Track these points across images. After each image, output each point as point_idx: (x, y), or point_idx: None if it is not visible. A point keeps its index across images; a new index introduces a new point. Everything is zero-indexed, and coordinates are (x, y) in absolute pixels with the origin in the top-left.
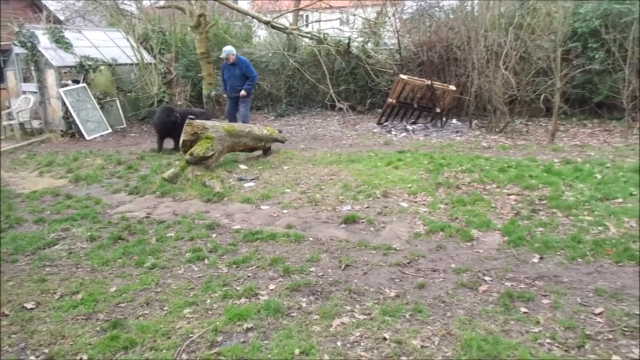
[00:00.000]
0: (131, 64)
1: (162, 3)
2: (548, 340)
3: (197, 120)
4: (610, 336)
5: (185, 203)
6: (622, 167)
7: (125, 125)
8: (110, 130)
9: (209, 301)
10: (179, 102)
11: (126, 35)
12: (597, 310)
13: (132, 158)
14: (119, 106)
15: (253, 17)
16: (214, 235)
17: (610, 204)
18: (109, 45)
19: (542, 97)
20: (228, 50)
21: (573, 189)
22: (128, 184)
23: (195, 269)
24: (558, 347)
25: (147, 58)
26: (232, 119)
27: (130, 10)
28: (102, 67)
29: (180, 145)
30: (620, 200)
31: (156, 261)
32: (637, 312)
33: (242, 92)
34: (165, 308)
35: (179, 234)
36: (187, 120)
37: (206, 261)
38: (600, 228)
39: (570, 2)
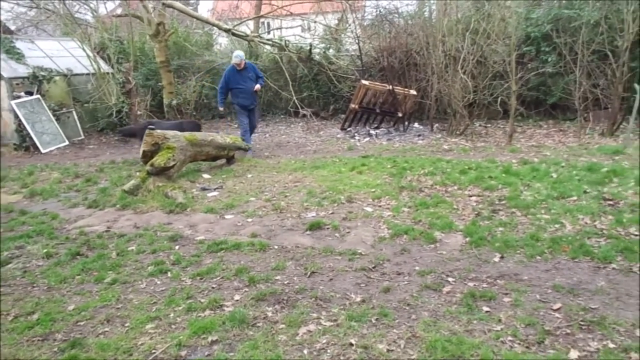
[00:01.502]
0: (88, 74)
1: (119, 11)
2: (510, 338)
3: (158, 130)
4: (568, 331)
5: (147, 215)
6: (576, 166)
7: (83, 137)
8: (67, 142)
9: (172, 315)
10: (139, 112)
11: (82, 44)
12: (556, 306)
13: (91, 170)
14: (75, 117)
15: (213, 25)
16: (177, 247)
17: (566, 202)
18: (63, 55)
19: (499, 99)
20: (242, 55)
21: (531, 188)
22: (87, 197)
23: (158, 282)
24: (519, 344)
25: (105, 67)
26: (246, 133)
27: (85, 19)
28: (57, 78)
29: (140, 156)
30: (575, 198)
31: (117, 276)
32: (593, 307)
33: (258, 86)
34: (126, 324)
35: (141, 247)
36: (147, 131)
37: (169, 274)
38: (556, 226)
39: (522, 8)
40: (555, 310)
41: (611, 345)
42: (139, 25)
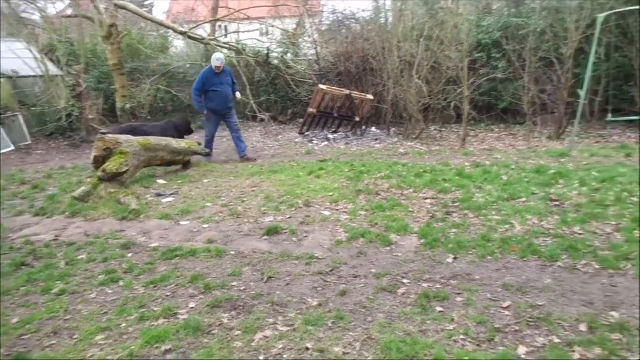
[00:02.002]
0: (35, 77)
1: (69, 12)
2: (462, 337)
3: (110, 135)
4: (517, 328)
5: (99, 222)
6: (525, 169)
7: (30, 142)
8: (12, 147)
9: (124, 325)
10: (90, 116)
11: (28, 45)
12: (505, 304)
13: (38, 177)
14: (22, 122)
15: (168, 27)
16: (129, 255)
17: (516, 204)
18: (8, 56)
19: (452, 104)
20: (222, 58)
21: (482, 190)
22: (33, 205)
23: (109, 292)
24: (471, 342)
25: (53, 70)
26: (211, 141)
27: (33, 20)
28: (1, 80)
29: (91, 162)
30: (524, 199)
31: (65, 286)
32: (540, 304)
33: (238, 95)
34: (75, 336)
35: (91, 255)
36: (99, 135)
37: (121, 283)
38: (507, 226)
39: (474, 16)
40: (505, 309)
41: (556, 340)
42: (90, 27)
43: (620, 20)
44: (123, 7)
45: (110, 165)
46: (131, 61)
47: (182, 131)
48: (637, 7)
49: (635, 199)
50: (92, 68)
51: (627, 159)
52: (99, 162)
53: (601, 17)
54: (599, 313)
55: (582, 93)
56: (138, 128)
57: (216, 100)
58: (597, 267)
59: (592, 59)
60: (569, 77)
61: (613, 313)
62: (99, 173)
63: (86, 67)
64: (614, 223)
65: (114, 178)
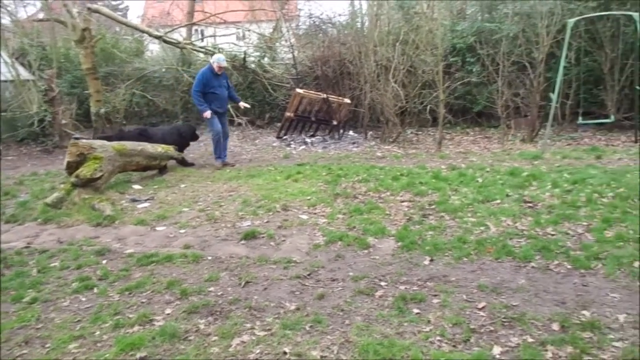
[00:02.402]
0: (5, 81)
1: (40, 16)
2: (438, 338)
3: (84, 140)
4: (492, 328)
5: (72, 229)
6: (499, 171)
7: (0, 148)
8: None
9: (98, 333)
10: (63, 121)
11: None
12: (480, 305)
13: (9, 183)
14: None
15: (143, 31)
16: (104, 262)
17: (490, 205)
18: None
19: (428, 108)
20: (223, 58)
21: (458, 193)
22: (4, 211)
23: (83, 299)
24: (447, 343)
25: (25, 74)
26: (219, 141)
27: (2, 23)
28: None
29: (64, 168)
30: (498, 201)
31: (37, 294)
32: (514, 304)
33: (243, 104)
34: (47, 345)
35: (65, 262)
36: (72, 140)
37: (95, 290)
38: (482, 228)
39: (448, 21)
40: (480, 309)
41: (530, 340)
42: (63, 31)
43: (589, 25)
44: (96, 11)
45: (84, 171)
46: (105, 65)
47: (187, 137)
48: (605, 13)
49: (605, 200)
50: (65, 72)
51: (597, 160)
52: (72, 167)
53: (571, 22)
54: (570, 312)
55: (553, 96)
56: (145, 131)
57: (215, 102)
58: (569, 267)
59: (562, 63)
60: (541, 80)
61: (584, 312)
62: (73, 179)
63: (59, 72)
64: (585, 223)
65: (87, 184)
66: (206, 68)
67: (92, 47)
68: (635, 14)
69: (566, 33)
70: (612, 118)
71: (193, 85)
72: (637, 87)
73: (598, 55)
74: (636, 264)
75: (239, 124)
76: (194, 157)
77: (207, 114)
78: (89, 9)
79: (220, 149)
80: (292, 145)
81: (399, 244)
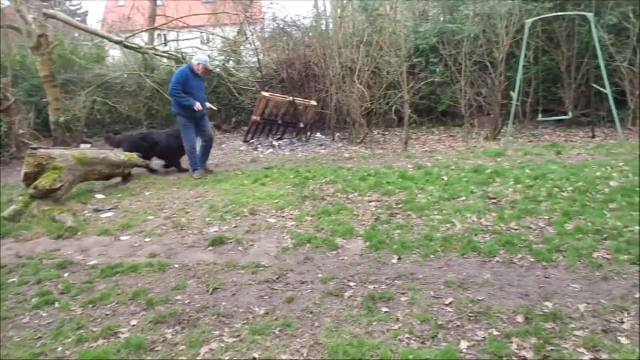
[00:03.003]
0: None
1: None
2: (407, 335)
3: (42, 150)
4: (459, 323)
5: (32, 243)
6: (464, 169)
7: None
8: None
9: (60, 349)
10: (20, 131)
11: None
12: (448, 301)
13: None
14: None
15: (103, 37)
16: (66, 275)
17: (456, 203)
18: None
19: (394, 108)
20: (208, 60)
21: (425, 191)
22: None
23: (44, 315)
24: (415, 340)
25: None
26: (195, 153)
27: None
28: None
29: (22, 179)
30: (463, 198)
31: None
32: (480, 298)
33: (208, 104)
34: None
35: (24, 278)
36: (29, 151)
37: (57, 305)
38: (448, 225)
39: (411, 22)
40: (447, 305)
41: (495, 333)
42: (18, 37)
43: (546, 25)
44: (53, 17)
45: (43, 182)
46: (64, 72)
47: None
48: (561, 13)
49: (565, 194)
50: (21, 81)
51: (557, 156)
52: (30, 179)
53: (529, 22)
54: (534, 304)
55: (514, 95)
56: (148, 136)
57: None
58: (532, 260)
59: (522, 62)
60: (502, 80)
61: (547, 303)
62: (31, 190)
63: (14, 80)
64: (546, 217)
65: (47, 195)
66: (186, 67)
67: (49, 54)
68: (589, 15)
69: (525, 33)
70: (571, 115)
71: (170, 84)
72: (593, 85)
73: (555, 55)
74: (595, 255)
75: None
76: (158, 163)
77: (198, 106)
78: (44, 14)
79: (195, 161)
80: (259, 149)
81: (367, 244)
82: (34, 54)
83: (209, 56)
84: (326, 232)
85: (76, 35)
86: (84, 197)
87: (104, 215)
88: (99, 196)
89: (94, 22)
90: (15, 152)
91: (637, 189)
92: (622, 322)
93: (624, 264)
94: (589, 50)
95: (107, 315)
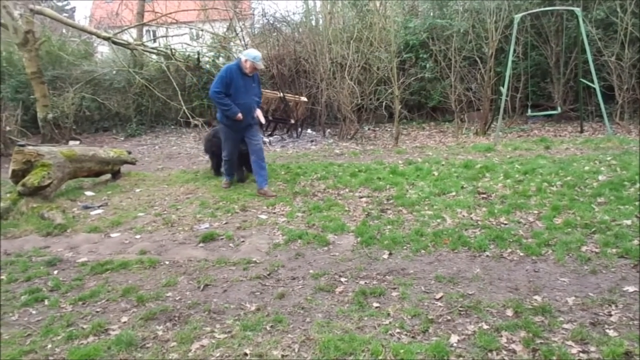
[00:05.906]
0: None
1: None
2: (397, 330)
3: (30, 147)
4: (449, 317)
5: (20, 240)
6: (454, 164)
7: None
8: None
9: (50, 346)
10: (8, 128)
11: None
12: (438, 296)
13: None
14: None
15: (90, 33)
16: (55, 272)
17: (446, 198)
18: None
19: (384, 104)
20: (259, 57)
21: (415, 187)
22: None
23: (34, 312)
24: (406, 334)
25: None
26: (232, 166)
27: None
28: None
29: (10, 176)
30: (453, 193)
31: None
32: (470, 292)
33: (259, 113)
34: None
35: (12, 275)
36: (17, 148)
37: (46, 302)
38: (438, 220)
39: (400, 18)
40: (437, 300)
41: (485, 327)
42: (4, 34)
43: (535, 20)
44: (40, 12)
45: (31, 179)
46: (52, 69)
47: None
48: (549, 8)
49: (554, 189)
50: (8, 77)
51: (546, 151)
52: (18, 176)
53: (517, 17)
54: (523, 298)
55: (503, 90)
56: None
57: (239, 109)
58: (521, 254)
59: (510, 57)
60: (492, 75)
61: (536, 297)
62: (19, 187)
63: (1, 76)
64: (535, 212)
65: (35, 192)
66: (234, 63)
67: (36, 50)
68: (577, 9)
69: (513, 28)
70: (559, 109)
71: (212, 84)
72: (581, 80)
73: (544, 50)
74: (584, 248)
75: (195, 126)
76: (149, 160)
77: (239, 115)
78: (31, 10)
79: (231, 169)
80: None
81: (358, 239)
82: (20, 50)
83: (198, 52)
84: (317, 228)
85: (64, 31)
86: (73, 194)
87: (93, 212)
88: (89, 193)
89: (81, 18)
90: (3, 149)
91: (625, 182)
92: (610, 315)
93: (612, 257)
94: (577, 45)
95: (97, 312)
